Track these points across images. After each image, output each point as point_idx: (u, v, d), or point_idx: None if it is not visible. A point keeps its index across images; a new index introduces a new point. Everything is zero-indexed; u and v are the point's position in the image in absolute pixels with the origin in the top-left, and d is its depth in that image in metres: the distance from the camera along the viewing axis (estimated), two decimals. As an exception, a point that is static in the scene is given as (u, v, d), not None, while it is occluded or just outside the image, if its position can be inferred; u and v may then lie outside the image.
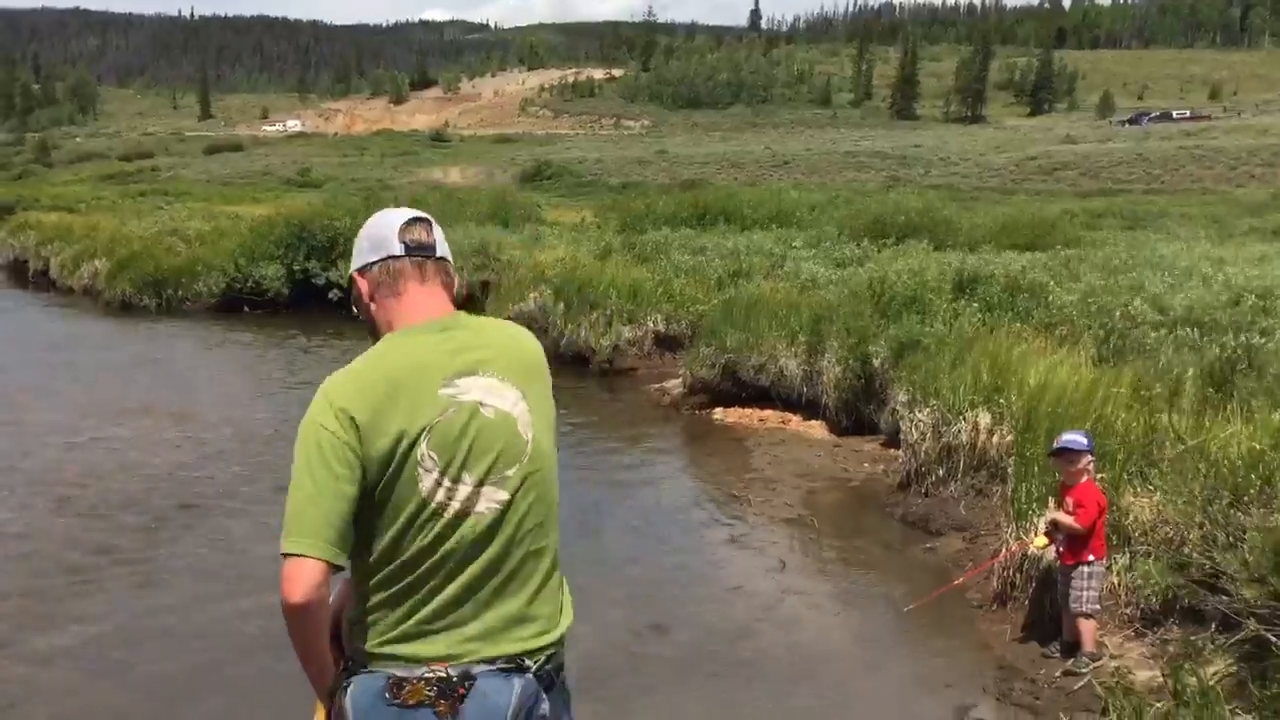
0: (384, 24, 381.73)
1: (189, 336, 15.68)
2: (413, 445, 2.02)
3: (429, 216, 2.28)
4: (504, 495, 2.11)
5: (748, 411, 10.42)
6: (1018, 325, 8.76)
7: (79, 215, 27.95)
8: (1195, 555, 4.77)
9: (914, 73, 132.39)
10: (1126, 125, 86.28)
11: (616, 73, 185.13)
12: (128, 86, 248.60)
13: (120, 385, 11.51)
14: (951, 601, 5.77)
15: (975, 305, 9.58)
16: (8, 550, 6.41)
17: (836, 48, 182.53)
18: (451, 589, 2.06)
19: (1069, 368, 6.99)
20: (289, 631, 2.01)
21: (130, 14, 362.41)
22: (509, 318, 14.80)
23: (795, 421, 10.00)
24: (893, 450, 8.47)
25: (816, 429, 9.74)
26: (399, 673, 2.03)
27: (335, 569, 1.99)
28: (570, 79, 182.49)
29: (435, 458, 2.03)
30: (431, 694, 2.00)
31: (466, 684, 2.01)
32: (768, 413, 10.30)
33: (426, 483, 2.03)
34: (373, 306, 2.25)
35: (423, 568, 2.04)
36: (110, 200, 44.38)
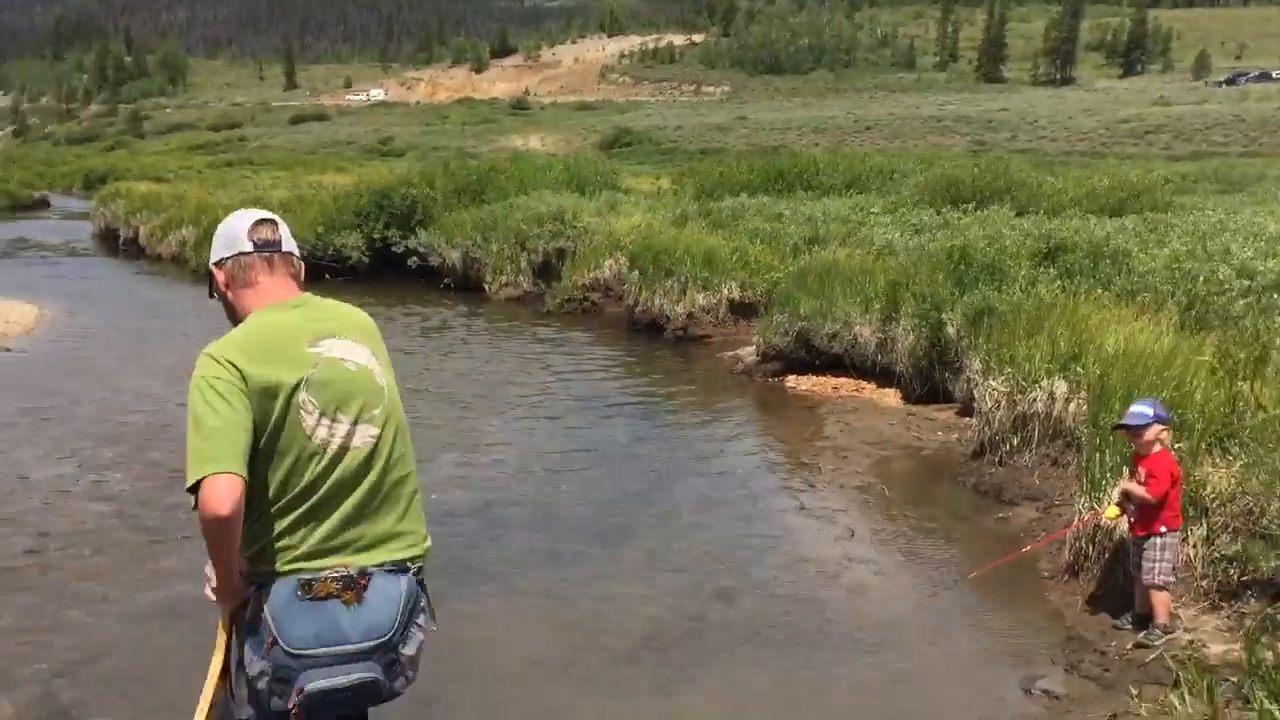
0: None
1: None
2: (293, 393, 2.40)
3: (275, 217, 2.67)
4: (375, 430, 2.52)
5: (821, 379, 10.35)
6: (1099, 292, 8.56)
7: (167, 185, 28.66)
8: (1275, 528, 4.63)
9: (1001, 34, 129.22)
10: (1223, 86, 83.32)
11: (697, 38, 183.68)
12: (215, 57, 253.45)
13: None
14: (1022, 572, 5.69)
15: (1055, 272, 9.37)
16: (102, 510, 6.63)
17: (921, 9, 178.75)
18: (340, 513, 2.43)
19: (1149, 335, 6.81)
20: (212, 545, 2.31)
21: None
22: (583, 284, 14.91)
23: (868, 389, 9.91)
24: (966, 419, 8.36)
25: (890, 397, 9.64)
26: (306, 576, 2.38)
27: (243, 481, 2.30)
28: (650, 45, 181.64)
29: (314, 402, 2.42)
30: (338, 587, 2.38)
31: (365, 579, 2.41)
32: (841, 380, 10.22)
33: (309, 423, 2.41)
34: (230, 295, 2.62)
35: (316, 496, 2.41)
36: (198, 170, 45.51)
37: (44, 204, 41.51)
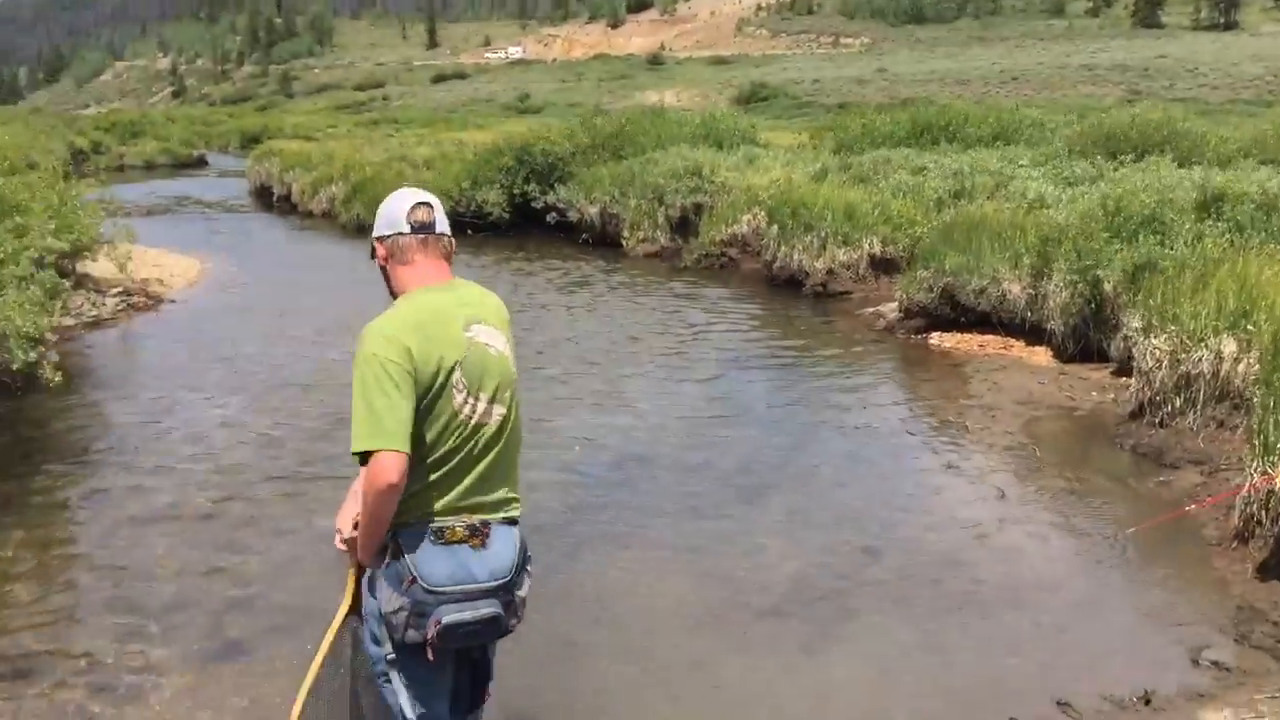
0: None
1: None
2: (450, 372, 2.68)
3: (432, 200, 2.87)
4: (503, 410, 2.80)
5: (966, 337, 10.07)
6: (1272, 247, 8.08)
7: (317, 143, 29.50)
8: None
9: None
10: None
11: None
12: (360, 18, 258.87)
13: (356, 304, 12.10)
14: (1185, 537, 5.45)
15: (1223, 225, 8.89)
16: (268, 454, 6.90)
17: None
18: (472, 477, 2.74)
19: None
20: (372, 510, 2.62)
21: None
22: (721, 241, 14.82)
23: (1017, 347, 9.59)
24: (1123, 379, 8.03)
25: (1040, 355, 9.32)
26: (437, 525, 2.69)
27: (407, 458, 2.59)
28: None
29: (465, 383, 2.71)
30: (465, 534, 2.69)
31: (486, 528, 2.73)
32: (987, 338, 9.93)
33: (458, 399, 2.70)
34: (388, 268, 2.87)
35: (453, 461, 2.71)
36: (345, 129, 46.71)
37: (202, 162, 43.34)
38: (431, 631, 2.63)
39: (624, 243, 16.44)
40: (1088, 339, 8.99)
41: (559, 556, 5.35)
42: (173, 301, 12.26)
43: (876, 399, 8.43)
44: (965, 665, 4.35)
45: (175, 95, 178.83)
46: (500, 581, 2.70)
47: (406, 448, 2.57)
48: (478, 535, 2.69)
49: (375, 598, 2.73)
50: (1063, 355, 9.13)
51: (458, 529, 2.68)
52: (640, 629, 4.65)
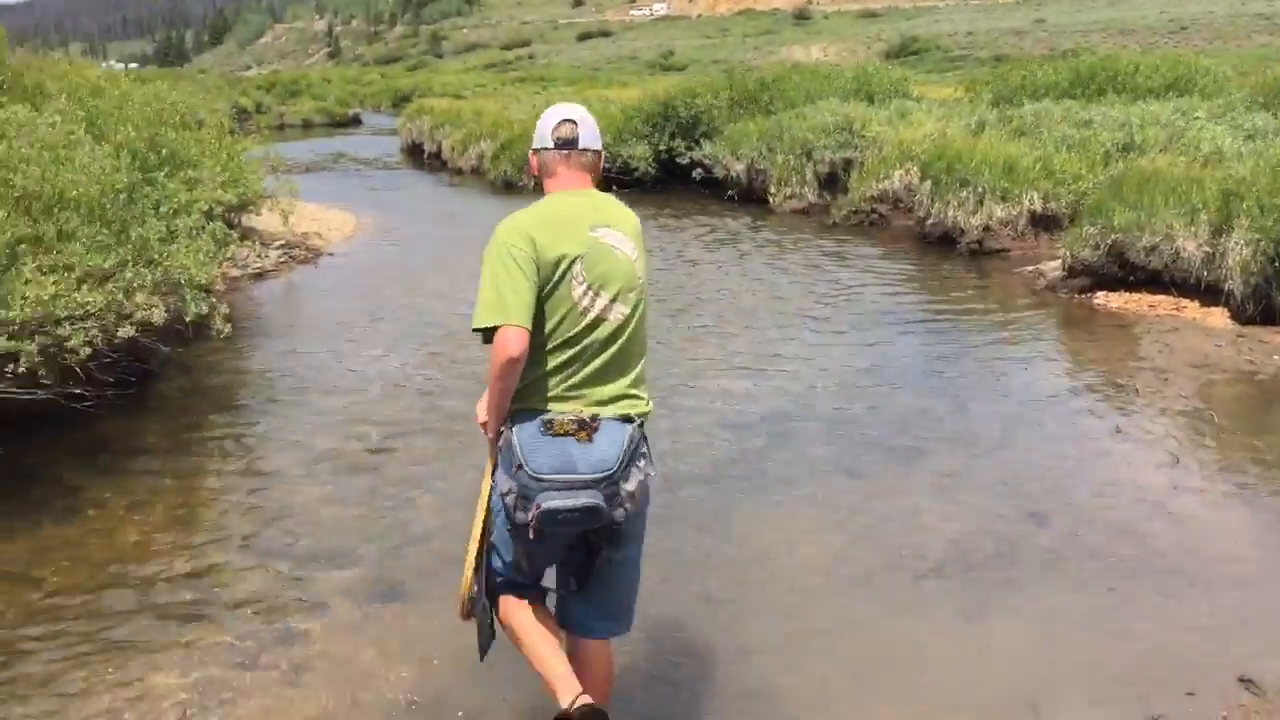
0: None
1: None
2: (571, 264, 2.86)
3: (576, 117, 3.04)
4: (625, 310, 2.96)
5: (1134, 296, 9.60)
6: None
7: (465, 101, 29.93)
8: None
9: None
10: None
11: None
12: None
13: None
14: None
15: None
16: (427, 403, 7.04)
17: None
18: (588, 369, 2.90)
19: None
20: (498, 382, 2.83)
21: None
22: (871, 196, 14.47)
23: (1191, 308, 9.10)
24: (1311, 343, 7.53)
25: (1216, 316, 8.82)
26: (549, 415, 2.86)
27: (526, 334, 2.78)
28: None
29: (584, 276, 2.88)
30: (573, 427, 2.84)
31: (595, 423, 2.85)
32: (1158, 298, 9.44)
33: (577, 291, 2.87)
34: (539, 177, 3.11)
35: (570, 351, 2.88)
36: (492, 87, 47.26)
37: (356, 121, 44.52)
38: (533, 514, 2.81)
39: (770, 199, 16.21)
40: (1270, 300, 8.46)
41: (709, 514, 5.30)
42: (331, 255, 12.61)
43: (1038, 360, 8.10)
44: (1139, 638, 4.13)
45: (330, 56, 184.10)
46: (602, 474, 2.82)
47: (527, 324, 2.78)
48: (585, 429, 2.84)
49: (494, 480, 3.02)
50: (1241, 317, 8.63)
51: (567, 422, 2.84)
52: (793, 588, 4.56)
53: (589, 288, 2.88)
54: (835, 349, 8.42)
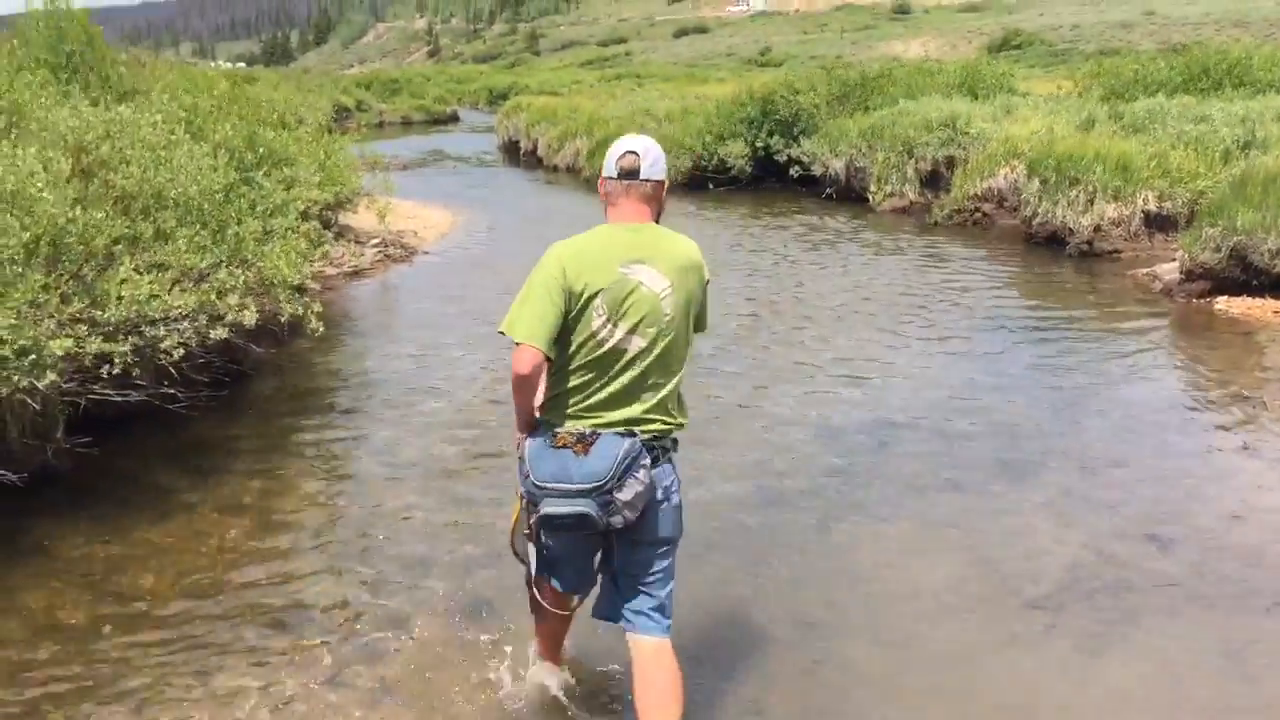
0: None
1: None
2: (594, 296, 3.09)
3: (640, 149, 3.19)
4: (643, 342, 3.14)
5: (1259, 302, 9.10)
6: None
7: (562, 98, 29.96)
8: None
9: None
10: None
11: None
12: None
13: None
14: None
15: None
16: (507, 409, 6.92)
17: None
18: (604, 393, 3.14)
19: None
20: (514, 393, 3.16)
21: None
22: (974, 194, 14.03)
23: (1322, 316, 8.58)
24: None
25: (1350, 326, 8.30)
26: (556, 430, 3.14)
27: (546, 359, 3.05)
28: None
29: (604, 309, 3.10)
30: (572, 441, 3.09)
31: (594, 437, 3.09)
32: (1286, 304, 8.93)
33: (596, 323, 3.11)
34: (604, 203, 3.28)
35: (588, 375, 3.14)
36: (588, 84, 47.33)
37: (455, 118, 45.03)
38: (534, 518, 3.18)
39: (870, 197, 15.84)
40: None
41: (805, 529, 5.09)
42: (426, 253, 12.64)
43: (1155, 369, 7.70)
44: (1273, 681, 3.82)
45: (430, 54, 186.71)
46: (593, 484, 3.04)
47: (539, 345, 3.03)
48: (582, 443, 3.08)
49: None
50: (1378, 326, 8.10)
51: (567, 435, 3.11)
52: (892, 614, 4.32)
53: (607, 319, 3.11)
54: (938, 355, 8.11)
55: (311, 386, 7.57)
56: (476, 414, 6.79)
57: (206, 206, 6.12)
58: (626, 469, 3.05)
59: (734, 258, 12.32)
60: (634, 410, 3.16)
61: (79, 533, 5.06)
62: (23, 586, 4.57)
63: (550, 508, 3.09)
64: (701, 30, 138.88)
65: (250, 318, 5.73)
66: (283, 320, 6.58)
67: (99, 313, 4.95)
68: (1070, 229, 12.01)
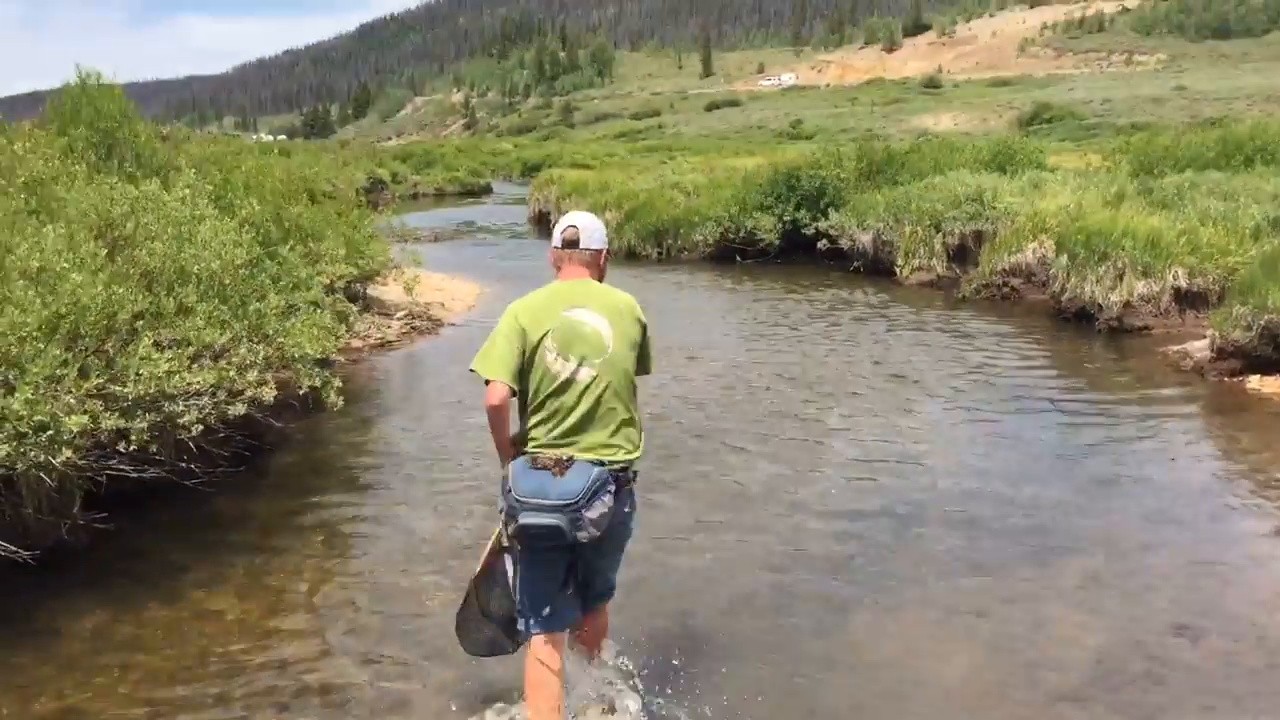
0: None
1: (683, 285, 16.37)
2: (544, 338, 3.66)
3: (580, 223, 3.89)
4: (592, 372, 3.67)
5: (1293, 382, 8.94)
6: None
7: (594, 171, 30.30)
8: None
9: None
10: None
11: (1130, 4, 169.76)
12: (639, 49, 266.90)
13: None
14: None
15: None
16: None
17: None
18: (568, 423, 3.65)
19: None
20: (489, 423, 3.70)
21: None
22: (1002, 269, 13.98)
23: (1358, 397, 8.41)
24: None
25: (1387, 407, 8.12)
26: (537, 455, 3.63)
27: (512, 392, 3.62)
28: (1077, 14, 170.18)
29: (554, 346, 3.66)
30: (550, 463, 3.58)
31: (569, 461, 3.59)
32: (1321, 385, 8.77)
33: (549, 358, 3.66)
34: (555, 266, 3.91)
35: (552, 406, 3.67)
36: (620, 157, 47.96)
37: (488, 190, 45.63)
38: (514, 528, 3.58)
39: (898, 271, 15.83)
40: None
41: (823, 616, 4.97)
42: (453, 325, 12.70)
43: (1187, 450, 7.55)
44: (1312, 782, 3.67)
45: (467, 127, 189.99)
46: (566, 502, 3.50)
47: (505, 378, 3.60)
48: (560, 466, 3.56)
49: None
50: None
51: (547, 459, 3.60)
52: (916, 706, 4.20)
53: (558, 354, 3.66)
54: (963, 433, 8.01)
55: (332, 461, 7.55)
56: (494, 488, 6.71)
57: (228, 281, 6.16)
58: (595, 493, 3.54)
59: (759, 330, 12.30)
60: (599, 437, 3.67)
61: (92, 611, 5.02)
62: (32, 665, 4.53)
63: (527, 519, 3.53)
64: (733, 103, 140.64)
65: (269, 394, 5.74)
66: (302, 394, 6.59)
67: (117, 388, 4.97)
68: (1099, 305, 11.91)
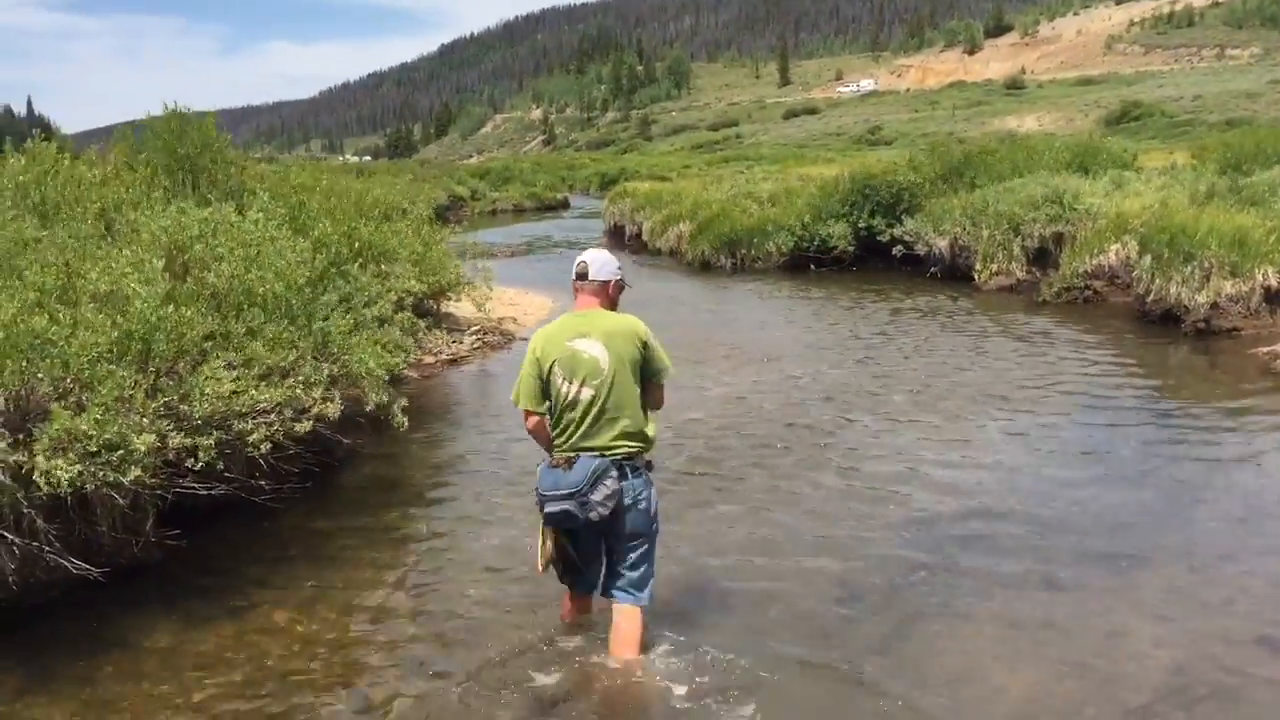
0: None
1: (756, 295, 16.28)
2: (553, 365, 4.36)
3: (589, 259, 4.54)
4: (591, 392, 4.33)
5: (1391, 383, 8.57)
6: None
7: (668, 183, 30.33)
8: None
9: None
10: None
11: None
12: (716, 60, 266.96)
13: (698, 336, 12.07)
14: None
15: None
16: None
17: None
18: (578, 433, 4.36)
19: None
20: (535, 440, 4.58)
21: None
22: (1084, 271, 13.65)
23: None
24: None
25: None
26: (554, 457, 4.42)
27: (540, 415, 4.46)
28: (1165, 9, 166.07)
29: (562, 373, 4.35)
30: (562, 463, 4.35)
31: (575, 457, 4.34)
32: None
33: (559, 383, 4.36)
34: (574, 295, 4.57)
35: (564, 422, 4.40)
36: (697, 168, 47.95)
37: (565, 204, 45.99)
38: (542, 514, 4.39)
39: (976, 276, 15.56)
40: None
41: (886, 630, 4.85)
42: (524, 339, 12.75)
43: (1273, 455, 7.27)
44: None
45: (546, 143, 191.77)
46: (571, 490, 4.27)
47: (531, 406, 4.45)
48: (567, 463, 4.35)
49: None
50: None
51: (559, 460, 4.39)
52: None
53: (565, 379, 4.36)
54: (1042, 436, 7.82)
55: (399, 478, 7.62)
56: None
57: (294, 302, 6.27)
58: (596, 480, 4.27)
59: (832, 339, 12.18)
60: (602, 440, 4.37)
61: (166, 627, 5.11)
62: (108, 680, 4.63)
63: (548, 507, 4.33)
64: (811, 111, 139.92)
65: (333, 410, 5.82)
66: (368, 410, 6.67)
67: (185, 407, 5.08)
68: (1185, 306, 11.57)
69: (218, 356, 5.55)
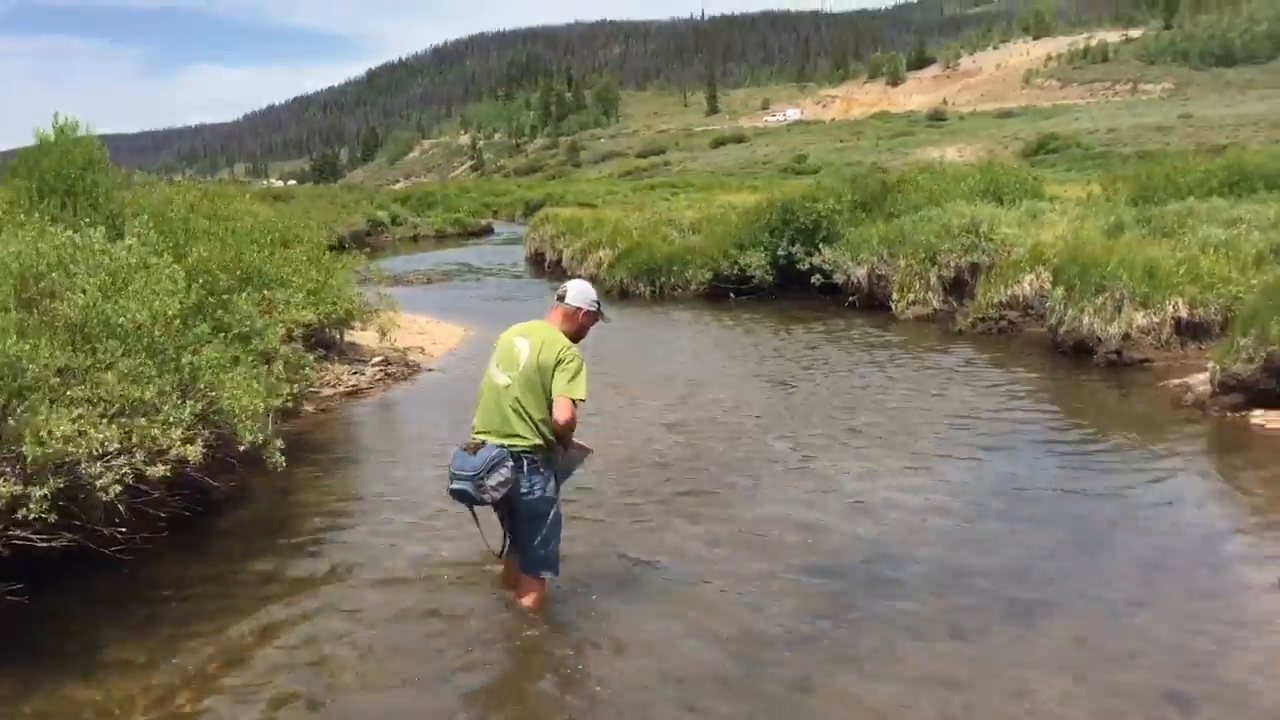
0: (884, 8, 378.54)
1: (674, 324, 16.03)
2: (496, 351, 5.14)
3: (570, 286, 5.26)
4: (507, 380, 4.98)
5: (1298, 417, 8.52)
6: None
7: (590, 210, 30.04)
8: None
9: None
10: None
11: (1134, 33, 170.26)
12: (645, 89, 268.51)
13: (615, 367, 11.72)
14: None
15: None
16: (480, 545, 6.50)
17: None
18: (491, 416, 5.00)
19: None
20: None
21: (649, 20, 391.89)
22: (999, 302, 13.59)
23: (1367, 431, 7.99)
24: None
25: (1398, 442, 7.70)
26: (468, 440, 5.02)
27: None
28: (1080, 45, 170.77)
29: (496, 357, 5.11)
30: (468, 445, 4.95)
31: (480, 444, 4.92)
32: (1327, 419, 8.35)
33: (491, 365, 5.12)
34: None
35: (483, 403, 5.09)
36: (622, 195, 47.80)
37: (489, 231, 45.46)
38: (448, 490, 5.00)
39: (893, 305, 15.46)
40: None
41: (786, 686, 4.56)
42: (430, 370, 12.32)
43: (1185, 492, 7.14)
44: None
45: (474, 168, 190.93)
46: (471, 473, 4.82)
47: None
48: (474, 449, 4.88)
49: None
50: None
51: (469, 443, 4.93)
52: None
53: (496, 363, 5.07)
54: (953, 473, 7.62)
55: (286, 518, 7.11)
56: (451, 547, 6.28)
57: (159, 334, 5.82)
58: (493, 467, 4.80)
59: (746, 369, 11.94)
60: (509, 428, 4.90)
61: (-4, 691, 4.63)
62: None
63: (451, 485, 4.92)
64: (739, 140, 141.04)
65: (194, 453, 5.37)
66: (243, 450, 6.22)
67: (12, 449, 4.62)
68: (1098, 337, 11.52)
69: (66, 393, 5.09)
